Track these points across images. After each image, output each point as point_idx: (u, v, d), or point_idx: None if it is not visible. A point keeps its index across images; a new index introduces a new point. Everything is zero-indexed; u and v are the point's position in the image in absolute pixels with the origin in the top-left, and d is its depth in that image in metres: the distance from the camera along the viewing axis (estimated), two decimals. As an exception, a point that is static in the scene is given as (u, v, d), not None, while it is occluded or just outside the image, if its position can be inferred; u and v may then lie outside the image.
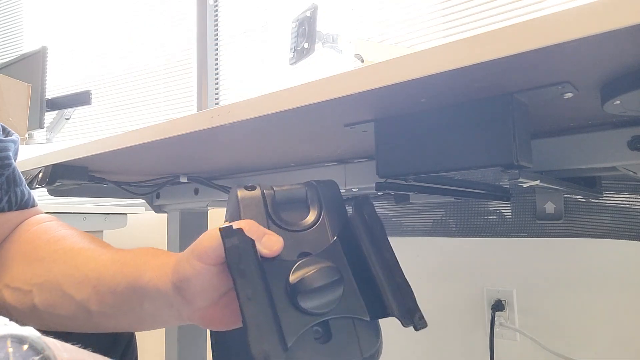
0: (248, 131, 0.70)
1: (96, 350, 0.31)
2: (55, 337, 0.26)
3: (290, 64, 1.30)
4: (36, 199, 0.59)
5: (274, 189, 0.44)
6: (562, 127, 0.70)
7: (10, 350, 0.23)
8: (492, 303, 1.27)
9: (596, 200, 1.07)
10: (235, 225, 0.38)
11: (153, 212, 1.40)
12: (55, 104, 1.96)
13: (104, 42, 2.55)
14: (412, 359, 1.42)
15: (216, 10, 2.24)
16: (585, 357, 1.15)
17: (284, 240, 0.41)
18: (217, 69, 2.22)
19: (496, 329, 1.26)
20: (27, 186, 0.58)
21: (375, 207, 0.44)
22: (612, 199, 1.06)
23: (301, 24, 1.28)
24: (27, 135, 1.77)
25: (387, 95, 0.52)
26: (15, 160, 0.56)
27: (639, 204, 1.03)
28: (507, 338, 1.26)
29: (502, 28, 0.39)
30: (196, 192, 1.23)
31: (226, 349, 0.47)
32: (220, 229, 0.38)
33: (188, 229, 1.39)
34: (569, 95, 0.50)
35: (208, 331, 0.46)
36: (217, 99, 2.22)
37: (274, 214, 0.43)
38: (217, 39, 2.23)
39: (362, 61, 1.22)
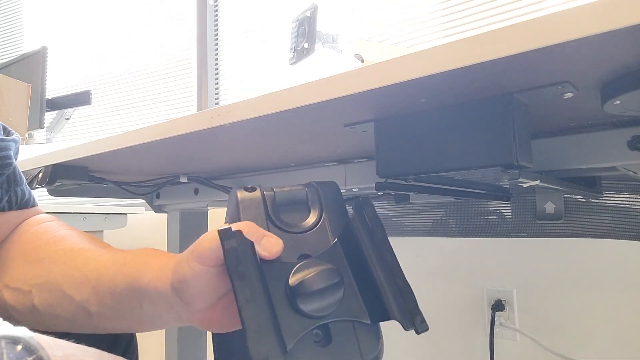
0: (248, 131, 0.70)
1: (96, 350, 0.31)
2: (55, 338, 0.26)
3: (290, 64, 1.30)
4: (36, 199, 0.59)
5: (274, 190, 0.44)
6: (562, 127, 0.70)
7: (4, 351, 0.23)
8: (492, 303, 1.27)
9: (596, 200, 1.07)
10: (235, 227, 0.38)
11: (153, 212, 1.40)
12: (55, 104, 1.96)
13: (104, 42, 2.55)
14: (412, 359, 1.42)
15: (216, 10, 2.24)
16: (585, 357, 1.15)
17: (283, 242, 0.40)
18: (217, 69, 2.22)
19: (496, 329, 1.26)
20: (27, 186, 0.58)
21: (376, 207, 0.44)
22: (612, 199, 1.06)
23: (301, 24, 1.28)
24: (27, 135, 1.77)
25: (387, 95, 0.52)
26: (16, 159, 0.56)
27: (639, 204, 1.03)
28: (507, 338, 1.26)
29: (502, 28, 0.39)
30: (196, 192, 1.23)
31: (228, 350, 0.47)
32: (219, 231, 0.37)
33: (188, 229, 1.39)
34: (569, 95, 0.50)
35: (209, 332, 0.46)
36: (217, 99, 2.22)
37: (274, 215, 0.43)
38: (217, 39, 2.23)
39: (362, 61, 1.22)
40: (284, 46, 1.81)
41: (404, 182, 0.65)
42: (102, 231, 1.68)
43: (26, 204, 0.57)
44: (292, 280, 0.38)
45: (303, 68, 1.36)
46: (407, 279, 0.40)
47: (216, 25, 2.24)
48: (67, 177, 0.98)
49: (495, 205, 1.22)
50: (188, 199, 1.26)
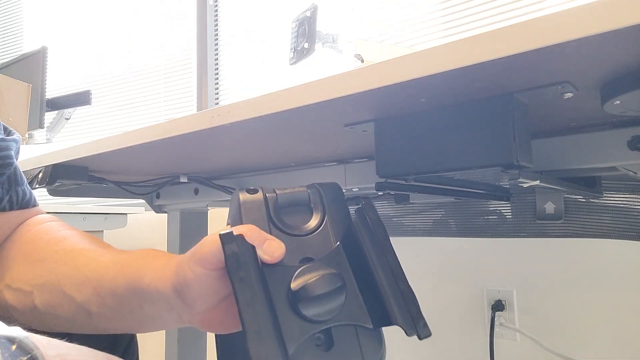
0: (248, 131, 0.70)
1: (96, 350, 0.31)
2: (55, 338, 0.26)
3: (290, 64, 1.30)
4: (37, 199, 0.59)
5: (277, 192, 0.44)
6: (562, 127, 0.70)
7: None
8: (492, 303, 1.27)
9: (596, 200, 1.08)
10: (236, 230, 0.38)
11: (153, 212, 1.40)
12: (55, 104, 1.96)
13: (104, 42, 2.55)
14: (412, 359, 1.42)
15: (216, 10, 2.24)
16: (585, 357, 1.15)
17: (285, 244, 0.40)
18: (217, 69, 2.22)
19: (496, 329, 1.26)
20: (28, 186, 0.58)
21: (376, 207, 0.44)
22: (612, 199, 1.06)
23: (301, 24, 1.28)
24: (27, 135, 1.77)
25: (387, 95, 0.52)
26: (16, 159, 0.56)
27: (639, 204, 1.03)
28: (507, 338, 1.26)
29: (502, 28, 0.39)
30: (196, 192, 1.23)
31: (230, 350, 0.47)
32: (220, 235, 0.37)
33: (188, 229, 1.39)
34: (569, 95, 0.50)
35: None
36: (217, 99, 2.22)
37: (276, 217, 0.43)
38: (217, 39, 2.23)
39: (362, 61, 1.22)
40: (284, 46, 1.81)
41: (404, 182, 0.65)
42: (102, 231, 1.68)
43: (27, 204, 0.57)
44: (294, 284, 0.38)
45: (303, 68, 1.36)
46: (408, 280, 0.40)
47: (216, 25, 2.24)
48: (67, 177, 0.98)
49: (495, 205, 1.23)
50: (188, 199, 1.26)
